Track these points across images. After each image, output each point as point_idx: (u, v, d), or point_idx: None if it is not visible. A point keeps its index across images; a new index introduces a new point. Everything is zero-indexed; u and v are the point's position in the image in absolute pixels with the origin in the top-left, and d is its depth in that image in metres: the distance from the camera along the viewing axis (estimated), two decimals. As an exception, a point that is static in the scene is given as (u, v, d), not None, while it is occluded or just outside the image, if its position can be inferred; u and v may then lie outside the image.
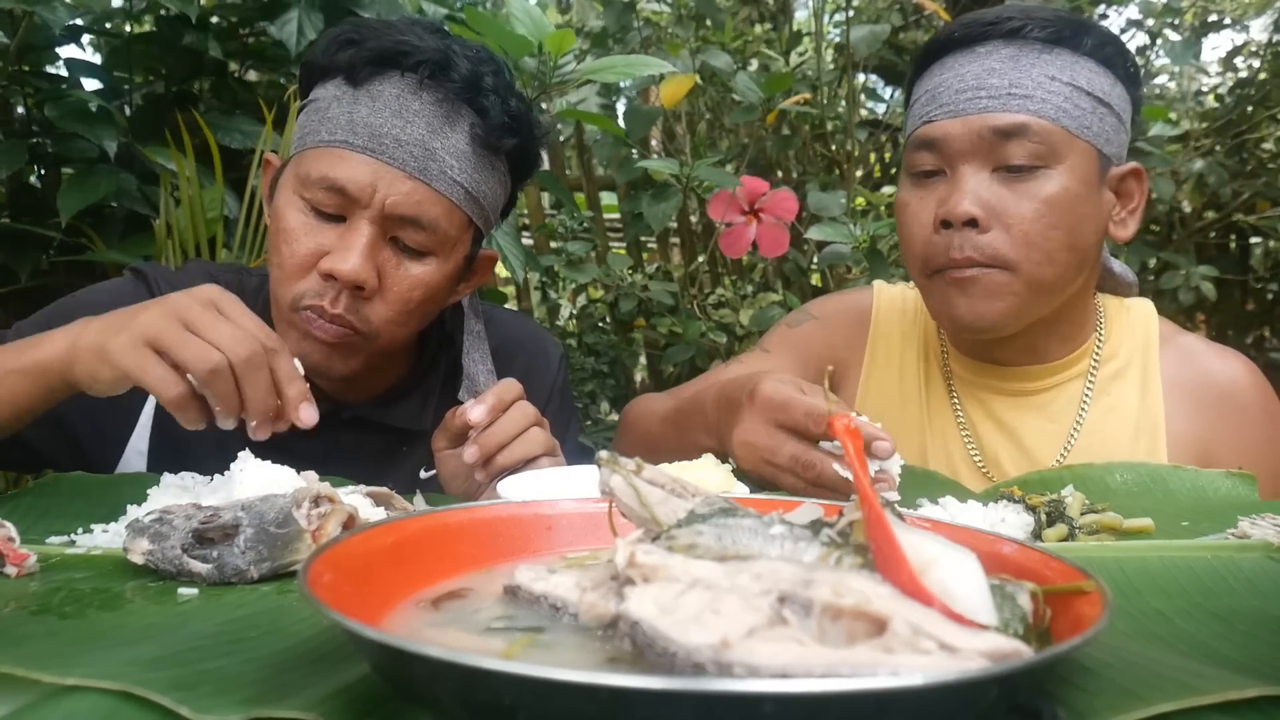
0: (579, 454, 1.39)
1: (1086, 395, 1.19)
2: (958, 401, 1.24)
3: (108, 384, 0.87)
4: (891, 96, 3.46)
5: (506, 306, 2.22)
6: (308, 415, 0.88)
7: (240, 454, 0.88)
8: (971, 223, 1.08)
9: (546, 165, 3.62)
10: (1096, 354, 1.21)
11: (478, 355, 1.26)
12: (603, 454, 0.57)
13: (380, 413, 1.21)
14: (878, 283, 1.38)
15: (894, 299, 1.34)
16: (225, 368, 0.84)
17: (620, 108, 3.11)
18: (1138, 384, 1.19)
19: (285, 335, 1.09)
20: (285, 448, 1.18)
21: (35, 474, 1.68)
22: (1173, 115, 3.14)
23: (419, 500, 0.97)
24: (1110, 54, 1.11)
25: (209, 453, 1.04)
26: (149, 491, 0.85)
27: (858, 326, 1.33)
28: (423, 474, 1.23)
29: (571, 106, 2.11)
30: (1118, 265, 1.29)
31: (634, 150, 2.82)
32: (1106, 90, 1.11)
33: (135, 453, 1.16)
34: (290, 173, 1.08)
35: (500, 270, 2.24)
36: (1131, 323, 1.23)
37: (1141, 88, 1.18)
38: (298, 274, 1.05)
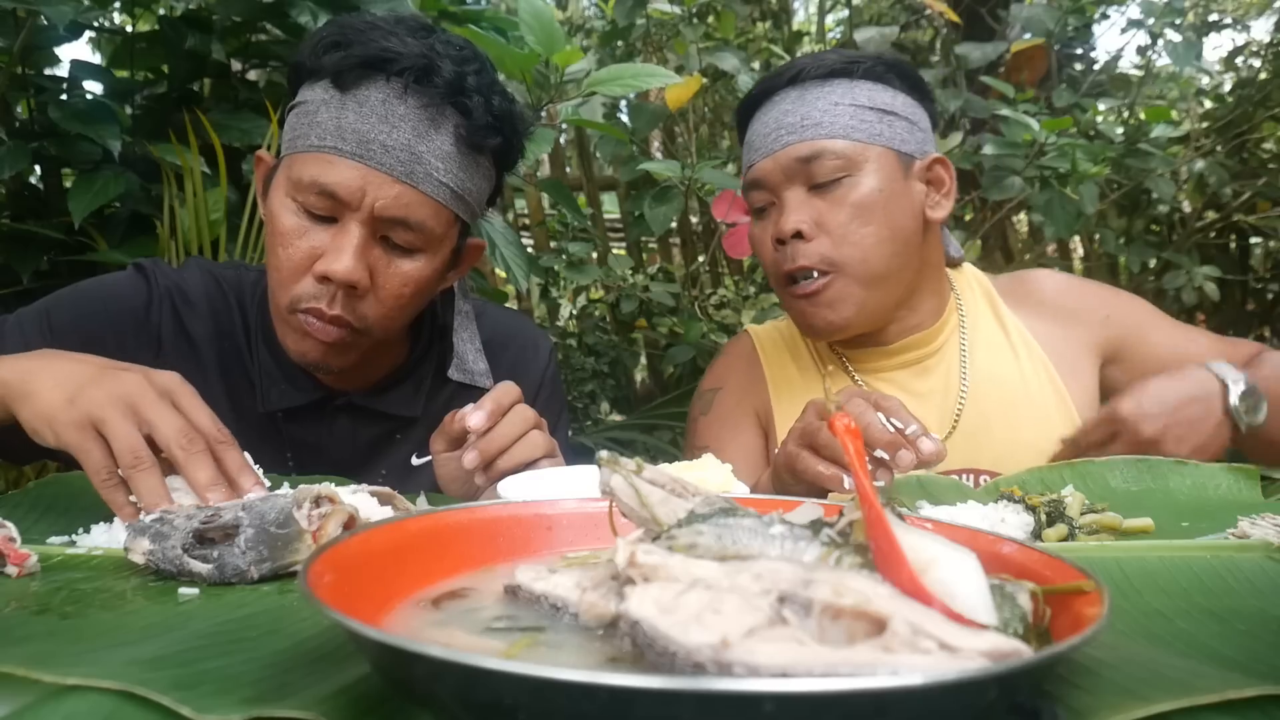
0: (569, 449, 1.39)
1: (963, 344, 1.38)
2: (863, 384, 1.39)
3: (48, 442, 0.85)
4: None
5: (506, 306, 2.22)
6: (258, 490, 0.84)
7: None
8: (798, 235, 1.26)
9: (548, 170, 3.64)
10: (961, 311, 1.41)
11: (466, 335, 1.29)
12: (603, 454, 0.57)
13: (374, 400, 1.24)
14: (749, 325, 1.58)
15: (769, 332, 1.52)
16: (150, 465, 0.80)
17: (624, 103, 3.11)
18: (994, 321, 1.41)
19: (284, 334, 1.12)
20: (281, 434, 1.20)
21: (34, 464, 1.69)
22: (1175, 114, 3.14)
23: (421, 501, 0.97)
24: (881, 72, 1.31)
25: None
26: None
27: (752, 367, 1.48)
28: (415, 460, 1.25)
29: (576, 110, 2.12)
30: (953, 244, 1.48)
31: (635, 149, 2.83)
32: (888, 102, 1.30)
33: None
34: (282, 175, 1.11)
35: (501, 272, 2.24)
36: (970, 282, 1.46)
37: (929, 95, 1.37)
38: (294, 276, 1.08)
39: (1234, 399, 1.14)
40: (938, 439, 0.94)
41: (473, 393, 1.26)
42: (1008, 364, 1.36)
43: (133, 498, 0.81)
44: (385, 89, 1.06)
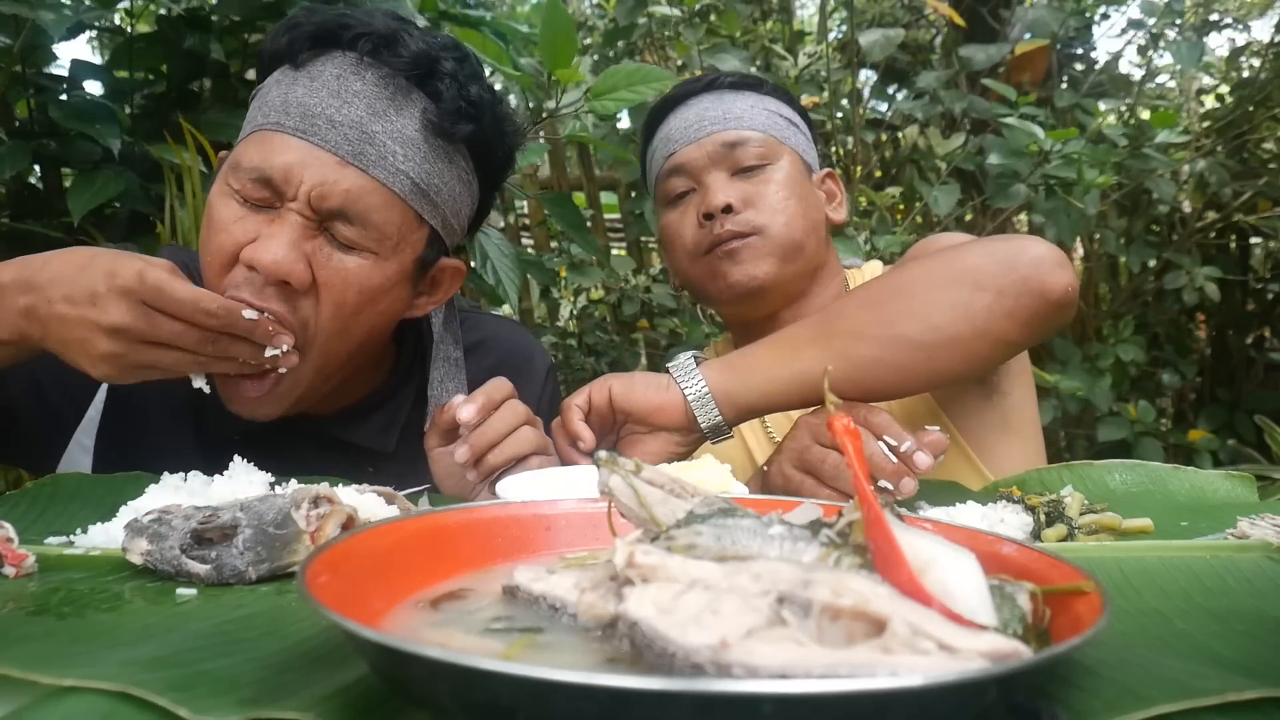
0: None
1: None
2: None
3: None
4: (894, 96, 3.46)
5: (506, 307, 2.21)
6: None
7: (235, 460, 0.88)
8: (727, 209, 1.32)
9: (548, 169, 3.64)
10: None
11: (453, 385, 1.18)
12: (602, 454, 0.57)
13: (343, 429, 1.13)
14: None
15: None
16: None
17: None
18: None
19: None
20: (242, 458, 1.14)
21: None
22: (1178, 117, 3.14)
23: (424, 501, 0.97)
24: (781, 93, 1.45)
25: (155, 452, 1.02)
26: (149, 488, 0.85)
27: None
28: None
29: (577, 115, 2.12)
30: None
31: (635, 150, 2.83)
32: (791, 116, 1.44)
33: (80, 447, 1.12)
34: (226, 163, 1.02)
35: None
36: (865, 275, 1.49)
37: (810, 121, 1.50)
38: (223, 268, 0.97)
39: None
40: (937, 431, 0.94)
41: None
42: None
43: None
44: (341, 62, 0.97)
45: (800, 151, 1.42)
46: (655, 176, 1.45)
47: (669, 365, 1.08)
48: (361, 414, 1.14)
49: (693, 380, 1.05)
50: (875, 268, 1.51)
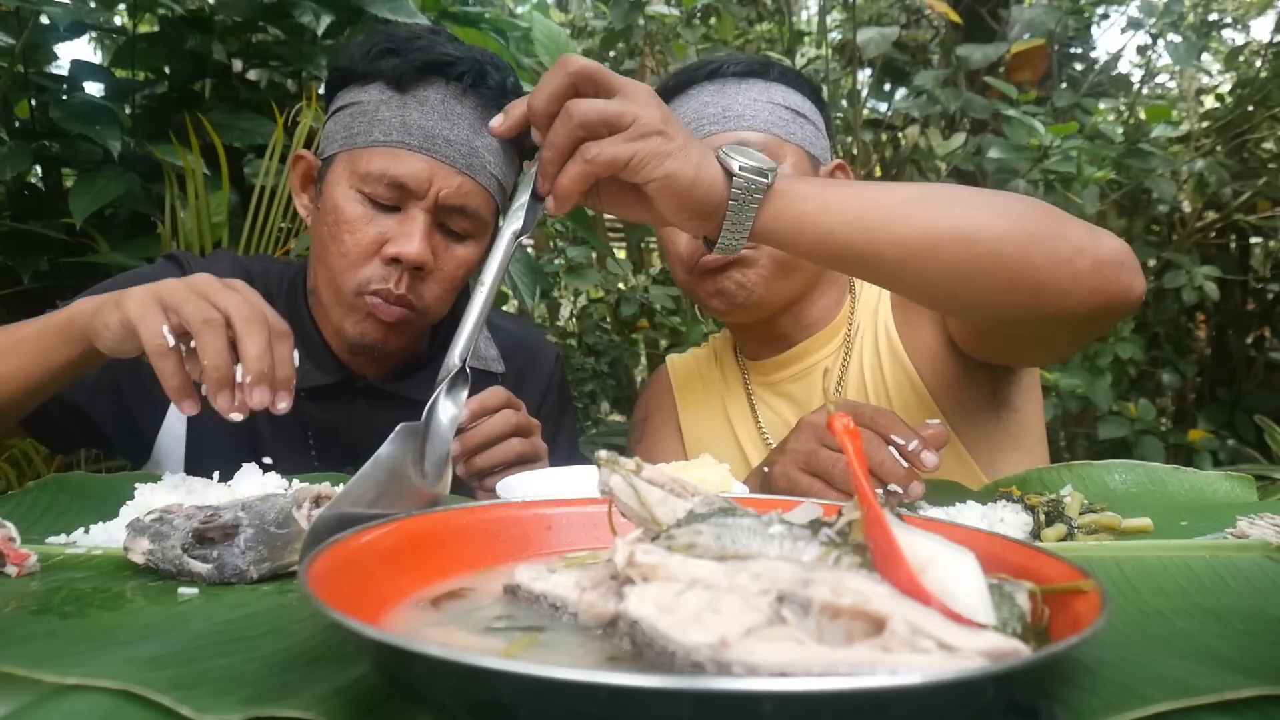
0: (574, 455, 1.42)
1: (846, 355, 1.37)
2: (755, 400, 1.43)
3: (114, 331, 0.89)
4: (893, 95, 3.46)
5: (505, 306, 2.22)
6: (284, 405, 0.88)
7: (245, 465, 0.90)
8: None
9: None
10: (851, 315, 1.39)
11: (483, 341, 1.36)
12: (602, 454, 0.57)
13: (394, 385, 1.29)
14: (670, 355, 1.63)
15: (685, 362, 1.57)
16: (219, 322, 0.85)
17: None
18: (875, 325, 1.36)
19: (342, 318, 1.18)
20: (303, 414, 1.24)
21: (79, 450, 1.74)
22: (1174, 115, 3.14)
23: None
24: (792, 78, 1.35)
25: (239, 427, 1.08)
26: (136, 487, 0.85)
27: (667, 395, 1.54)
28: None
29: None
30: None
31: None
32: (799, 105, 1.33)
33: (173, 428, 1.23)
34: (342, 168, 1.17)
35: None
36: (869, 286, 1.43)
37: (827, 106, 1.40)
38: (362, 260, 1.15)
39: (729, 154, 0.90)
40: (937, 424, 0.94)
41: (487, 380, 1.34)
42: (875, 373, 1.33)
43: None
44: (444, 90, 1.16)
45: (806, 146, 1.32)
46: None
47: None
48: (409, 372, 1.31)
49: (751, 157, 0.90)
50: None
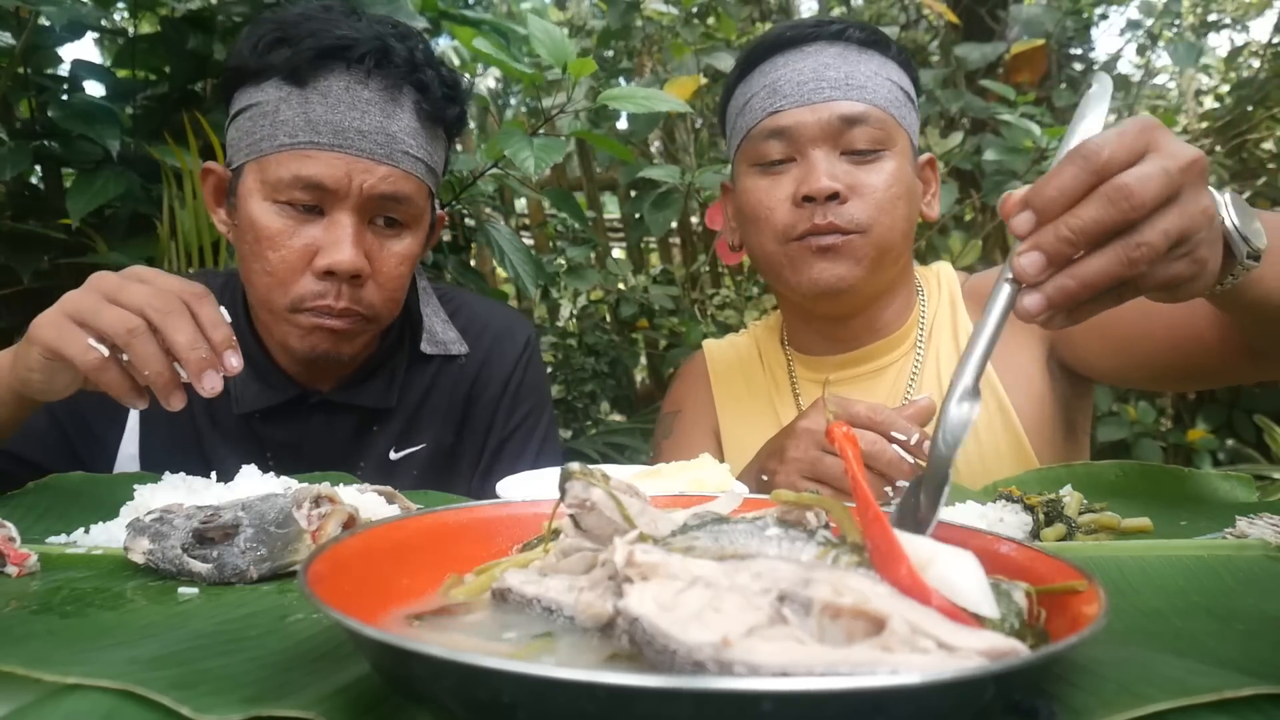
0: (550, 449, 1.35)
1: (917, 358, 1.31)
2: (800, 393, 1.36)
3: (40, 369, 0.85)
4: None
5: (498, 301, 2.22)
6: (235, 362, 0.85)
7: (245, 468, 0.88)
8: (833, 196, 1.18)
9: (548, 169, 3.64)
10: (922, 319, 1.34)
11: (429, 309, 1.30)
12: (573, 466, 0.56)
13: (348, 395, 1.23)
14: (707, 341, 1.53)
15: (724, 349, 1.48)
16: (143, 328, 0.82)
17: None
18: (950, 331, 1.31)
19: (285, 334, 1.11)
20: (258, 435, 1.20)
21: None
22: (1177, 118, 3.14)
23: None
24: (904, 59, 1.28)
25: (191, 453, 1.09)
26: (135, 488, 0.85)
27: (703, 385, 1.46)
28: (393, 455, 1.25)
29: (578, 116, 2.12)
30: None
31: (635, 153, 2.83)
32: (909, 88, 1.27)
33: (127, 457, 1.18)
34: (253, 179, 1.08)
35: (502, 271, 2.24)
36: (940, 282, 1.37)
37: (920, 94, 1.33)
38: (292, 276, 1.07)
39: (1228, 210, 0.77)
40: (926, 398, 0.95)
41: (451, 366, 1.29)
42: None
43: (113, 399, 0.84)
44: (346, 76, 1.07)
45: (912, 134, 1.25)
46: (745, 129, 1.26)
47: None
48: (362, 379, 1.24)
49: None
50: (947, 270, 1.38)
